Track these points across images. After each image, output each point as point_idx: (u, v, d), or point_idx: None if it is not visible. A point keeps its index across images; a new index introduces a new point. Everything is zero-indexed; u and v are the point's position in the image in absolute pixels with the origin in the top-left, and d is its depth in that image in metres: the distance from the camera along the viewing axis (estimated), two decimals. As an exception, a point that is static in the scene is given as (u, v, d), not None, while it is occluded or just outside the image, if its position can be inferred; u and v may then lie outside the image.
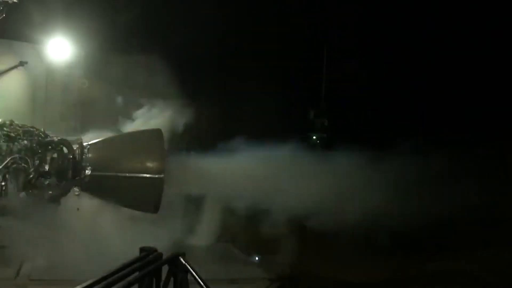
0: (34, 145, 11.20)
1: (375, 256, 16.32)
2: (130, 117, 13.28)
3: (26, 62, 19.96)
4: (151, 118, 12.89)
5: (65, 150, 11.34)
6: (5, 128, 11.16)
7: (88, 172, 11.22)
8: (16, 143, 11.05)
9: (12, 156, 10.72)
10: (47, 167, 11.04)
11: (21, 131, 11.34)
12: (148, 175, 11.55)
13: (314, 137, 30.84)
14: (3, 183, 10.67)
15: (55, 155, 11.22)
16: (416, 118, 32.67)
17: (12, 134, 11.12)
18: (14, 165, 10.76)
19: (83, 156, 11.37)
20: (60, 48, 20.78)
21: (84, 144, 11.64)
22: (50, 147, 11.30)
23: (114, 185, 11.20)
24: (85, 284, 5.91)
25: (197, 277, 7.07)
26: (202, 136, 15.83)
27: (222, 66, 35.59)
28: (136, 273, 6.55)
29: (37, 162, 11.01)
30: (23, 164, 10.85)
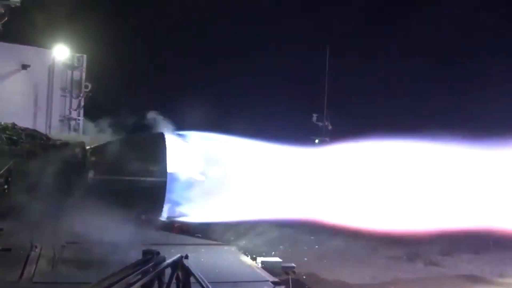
0: (37, 148, 11.19)
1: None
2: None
3: (29, 66, 19.99)
4: None
5: (67, 153, 11.33)
6: (7, 131, 11.16)
7: (90, 175, 11.21)
8: (18, 146, 11.05)
9: (15, 159, 10.71)
10: (49, 171, 11.03)
11: (23, 134, 11.34)
12: (151, 179, 11.55)
13: (317, 141, 30.85)
14: (5, 186, 10.66)
15: (57, 159, 11.21)
16: (419, 119, 32.72)
17: (15, 137, 11.11)
18: (17, 169, 10.75)
19: (86, 160, 11.37)
20: (62, 52, 20.83)
21: (87, 147, 11.64)
22: (52, 150, 11.29)
23: (117, 189, 11.19)
24: (88, 287, 5.90)
25: (199, 279, 7.05)
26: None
27: (226, 69, 35.67)
28: (139, 276, 6.54)
29: (39, 165, 10.99)
30: (25, 168, 10.83)
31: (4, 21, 15.71)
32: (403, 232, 13.03)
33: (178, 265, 7.25)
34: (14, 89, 19.52)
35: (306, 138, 30.02)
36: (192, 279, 7.21)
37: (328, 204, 12.74)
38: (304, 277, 16.42)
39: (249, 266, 11.36)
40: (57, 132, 18.40)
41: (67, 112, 21.44)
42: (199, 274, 7.15)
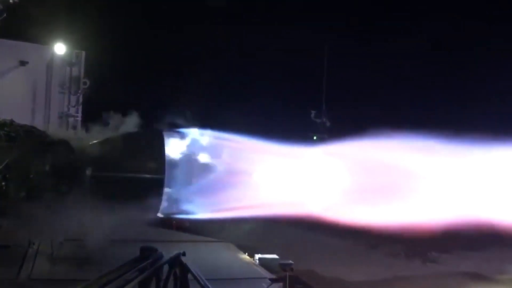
0: (35, 145, 11.19)
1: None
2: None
3: (27, 62, 19.96)
4: None
5: (65, 150, 11.33)
6: (5, 128, 11.15)
7: (88, 172, 11.21)
8: (16, 143, 11.04)
9: (13, 156, 10.71)
10: (47, 168, 11.03)
11: (21, 131, 11.33)
12: (148, 176, 11.56)
13: (315, 138, 30.83)
14: (3, 183, 10.66)
15: (55, 156, 11.21)
16: (418, 115, 32.74)
17: (13, 134, 11.11)
18: (15, 165, 10.75)
19: (84, 156, 11.37)
20: (61, 48, 20.80)
21: (84, 144, 11.64)
22: (50, 147, 11.29)
23: (114, 186, 11.19)
24: (86, 283, 5.92)
25: (197, 276, 7.07)
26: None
27: (224, 66, 35.65)
28: (137, 273, 6.55)
29: (37, 162, 10.99)
30: (23, 165, 10.84)
31: (2, 17, 15.68)
32: (401, 229, 13.06)
33: (176, 262, 7.26)
34: (12, 86, 19.49)
35: (304, 135, 30.03)
36: (189, 276, 7.22)
37: (326, 201, 12.77)
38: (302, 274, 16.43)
39: (247, 263, 11.40)
40: (55, 129, 18.40)
41: (65, 109, 21.39)
42: (196, 271, 7.16)
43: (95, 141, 11.96)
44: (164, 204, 11.74)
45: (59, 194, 10.85)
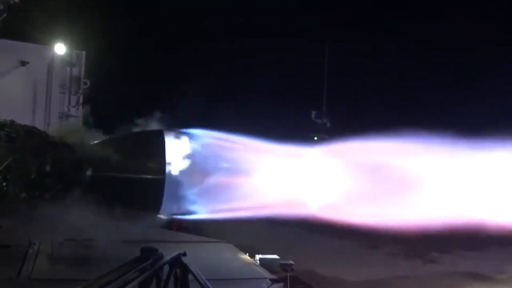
0: (35, 145, 11.20)
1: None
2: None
3: (28, 62, 19.96)
4: None
5: (66, 150, 11.34)
6: (6, 128, 11.16)
7: (89, 173, 11.23)
8: (17, 143, 11.05)
9: (13, 157, 10.72)
10: (48, 168, 11.04)
11: (22, 131, 11.34)
12: (149, 176, 11.58)
13: (316, 138, 30.88)
14: (4, 184, 10.67)
15: (56, 156, 11.22)
16: (418, 116, 32.76)
17: (13, 135, 11.12)
18: (15, 166, 10.76)
19: (84, 157, 11.39)
20: (61, 48, 20.81)
21: (85, 144, 11.66)
22: (51, 147, 11.30)
23: (115, 186, 11.21)
24: (86, 284, 5.92)
25: (198, 277, 7.07)
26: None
27: (225, 66, 35.68)
28: (137, 273, 6.55)
29: (38, 162, 11.00)
30: (24, 165, 10.84)
31: (3, 18, 15.67)
32: (401, 229, 13.07)
33: (176, 262, 7.26)
34: (13, 86, 19.49)
35: (304, 135, 30.07)
36: (190, 277, 7.22)
37: (326, 201, 12.78)
38: (302, 274, 16.45)
39: (247, 263, 11.39)
40: (56, 129, 18.39)
41: (65, 109, 21.39)
42: (197, 271, 7.16)
43: (96, 142, 11.98)
44: (164, 204, 11.74)
45: (60, 194, 10.86)
